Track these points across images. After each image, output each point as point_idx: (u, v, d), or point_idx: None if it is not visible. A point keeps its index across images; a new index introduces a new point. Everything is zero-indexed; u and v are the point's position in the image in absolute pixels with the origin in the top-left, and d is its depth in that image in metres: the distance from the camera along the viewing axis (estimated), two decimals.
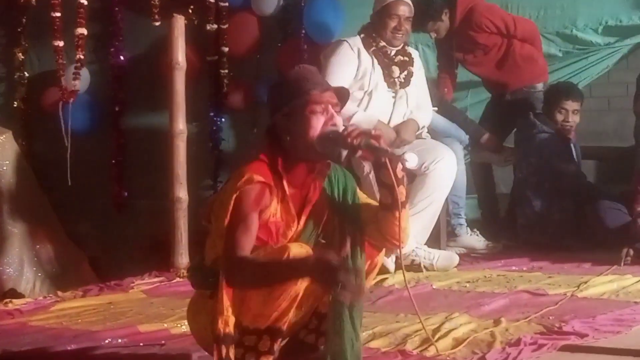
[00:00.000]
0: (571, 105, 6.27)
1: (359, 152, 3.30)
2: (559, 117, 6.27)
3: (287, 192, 3.34)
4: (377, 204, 3.41)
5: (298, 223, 3.37)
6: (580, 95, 6.35)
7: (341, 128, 3.34)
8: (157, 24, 7.22)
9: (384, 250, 3.59)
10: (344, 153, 4.01)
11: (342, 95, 3.50)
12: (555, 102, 6.28)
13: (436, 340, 3.79)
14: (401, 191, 3.29)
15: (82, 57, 7.34)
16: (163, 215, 6.20)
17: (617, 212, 5.75)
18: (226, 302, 3.19)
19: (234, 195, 3.23)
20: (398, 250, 3.41)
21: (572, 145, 6.31)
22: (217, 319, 3.19)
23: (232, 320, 3.21)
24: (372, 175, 4.98)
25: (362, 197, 3.53)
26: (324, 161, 3.41)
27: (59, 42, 7.25)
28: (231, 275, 3.17)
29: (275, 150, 3.37)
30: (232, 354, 3.21)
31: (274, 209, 3.31)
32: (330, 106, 3.36)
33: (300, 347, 3.51)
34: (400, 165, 3.24)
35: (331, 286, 2.99)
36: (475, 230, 6.37)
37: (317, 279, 3.06)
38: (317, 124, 3.33)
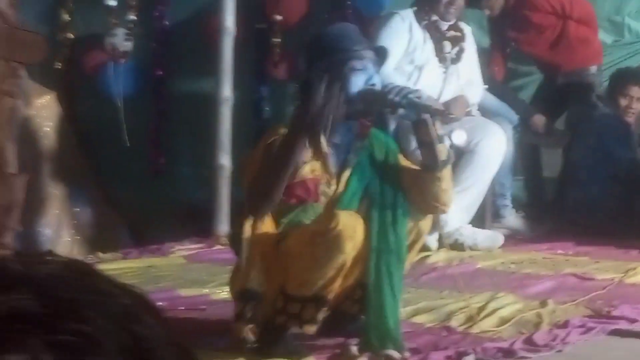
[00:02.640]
0: (637, 91, 6.18)
1: (400, 110, 3.24)
2: (623, 102, 6.17)
3: (325, 150, 3.28)
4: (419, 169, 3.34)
5: (338, 183, 3.30)
6: None
7: (380, 87, 3.28)
8: None
9: (429, 223, 3.52)
10: (392, 126, 3.93)
11: (382, 55, 3.43)
12: (620, 86, 6.18)
13: (481, 319, 3.72)
14: (441, 149, 3.22)
15: (134, 17, 7.30)
16: (203, 182, 6.16)
17: None
18: (251, 259, 3.15)
19: (268, 142, 3.19)
20: (441, 228, 3.36)
21: (631, 132, 6.20)
22: (240, 275, 3.15)
23: (255, 276, 3.16)
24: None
25: (405, 162, 3.46)
26: (364, 122, 3.34)
27: (111, 1, 7.21)
28: (247, 203, 3.13)
29: (310, 107, 3.30)
30: (250, 311, 3.16)
31: (312, 166, 3.25)
32: (369, 64, 3.30)
33: (343, 317, 3.45)
34: (439, 124, 3.18)
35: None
36: (520, 211, 6.27)
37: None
38: (358, 81, 3.26)
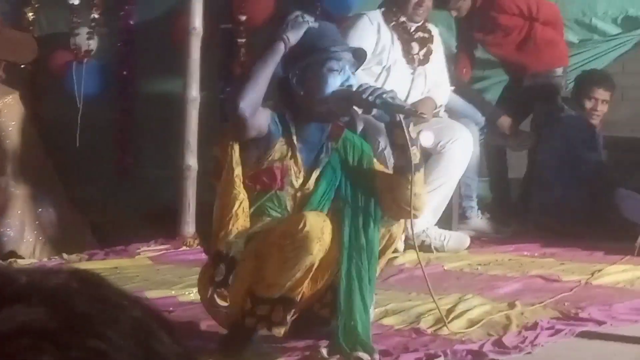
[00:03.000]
0: (602, 94, 6.21)
1: (374, 111, 3.24)
2: (588, 105, 6.20)
3: (296, 146, 3.28)
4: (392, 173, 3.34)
5: (306, 180, 3.30)
6: (612, 86, 6.29)
7: (354, 87, 3.29)
8: None
9: (401, 228, 3.52)
10: (360, 126, 3.93)
11: (360, 56, 3.44)
12: (586, 89, 6.21)
13: (450, 321, 3.72)
14: (414, 152, 3.21)
15: (97, 16, 7.24)
16: (169, 183, 6.12)
17: (633, 201, 5.68)
18: (218, 218, 3.16)
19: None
20: (410, 228, 3.36)
21: (596, 134, 6.24)
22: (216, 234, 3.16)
23: (224, 237, 3.17)
24: (387, 152, 4.90)
25: (378, 166, 3.46)
26: (337, 124, 3.34)
27: (74, 0, 7.15)
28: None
29: (287, 103, 3.31)
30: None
31: (280, 154, 3.25)
32: (347, 67, 3.30)
33: (313, 320, 3.45)
34: (413, 126, 3.18)
35: None
36: (486, 213, 6.29)
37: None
38: (334, 82, 3.26)
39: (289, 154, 3.29)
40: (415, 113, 3.18)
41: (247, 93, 3.16)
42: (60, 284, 0.61)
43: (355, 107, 3.55)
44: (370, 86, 3.26)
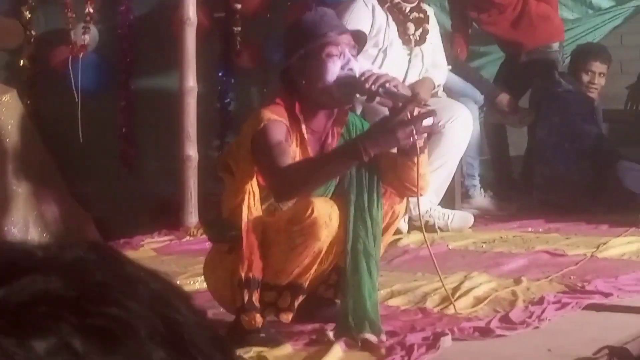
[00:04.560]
0: (599, 67, 6.20)
1: (377, 98, 3.22)
2: (585, 78, 6.19)
3: (306, 137, 3.26)
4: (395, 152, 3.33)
5: None
6: (608, 58, 6.28)
7: (358, 73, 3.25)
8: None
9: (404, 206, 3.51)
10: (359, 108, 3.92)
11: (360, 39, 3.42)
12: (582, 62, 6.21)
13: (456, 299, 3.73)
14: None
15: (91, 10, 7.24)
16: (172, 175, 6.12)
17: (636, 172, 5.67)
18: (251, 246, 3.12)
19: (259, 129, 3.14)
20: (414, 209, 3.35)
21: (595, 107, 6.23)
22: (241, 264, 3.11)
23: (257, 264, 3.14)
24: None
25: None
26: (342, 108, 3.33)
27: None
28: (281, 188, 3.10)
29: (292, 94, 3.29)
30: (256, 299, 3.14)
31: (293, 153, 3.23)
32: (347, 50, 3.28)
33: (318, 302, 3.44)
34: (417, 110, 3.17)
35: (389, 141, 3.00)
36: (489, 191, 6.28)
37: (373, 144, 3.00)
38: (334, 68, 3.24)
39: (299, 149, 3.27)
40: (420, 101, 3.16)
41: (296, 196, 3.14)
42: (78, 257, 0.61)
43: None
44: (373, 74, 3.23)
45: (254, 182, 3.22)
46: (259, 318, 3.17)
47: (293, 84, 3.29)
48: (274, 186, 3.13)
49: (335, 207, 3.16)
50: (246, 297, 3.14)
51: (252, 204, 3.20)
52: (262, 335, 3.23)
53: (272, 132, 3.14)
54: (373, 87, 3.18)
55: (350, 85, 3.24)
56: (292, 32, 3.40)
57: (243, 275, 3.14)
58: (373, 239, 3.23)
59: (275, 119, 3.18)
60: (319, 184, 3.14)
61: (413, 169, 3.21)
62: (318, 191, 3.25)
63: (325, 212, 3.09)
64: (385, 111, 3.22)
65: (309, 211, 3.06)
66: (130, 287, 0.60)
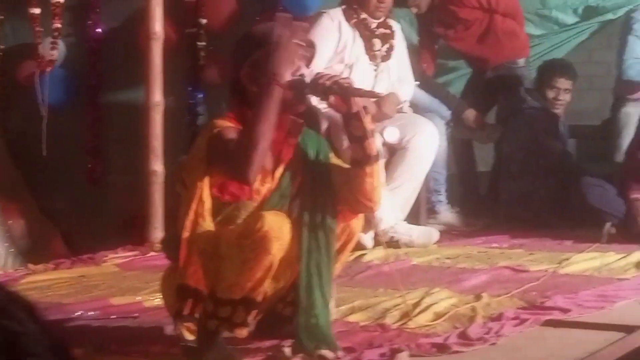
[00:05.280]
0: (563, 83, 6.24)
1: (331, 98, 3.21)
2: (550, 94, 6.23)
3: None
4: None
5: (272, 180, 3.28)
6: (573, 75, 6.32)
7: (308, 79, 3.25)
8: None
9: (361, 223, 3.50)
10: (324, 124, 3.90)
11: (310, 45, 3.41)
12: (547, 78, 6.24)
13: (416, 315, 3.72)
14: (371, 144, 3.20)
15: (59, 25, 7.21)
16: (138, 190, 6.10)
17: (599, 189, 5.68)
18: (189, 254, 3.11)
19: (213, 133, 3.14)
20: (376, 226, 3.33)
21: (560, 123, 6.25)
22: (178, 270, 3.11)
23: (195, 273, 3.12)
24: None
25: (335, 160, 3.44)
26: (296, 119, 3.32)
27: (35, 9, 7.11)
28: (238, 165, 3.09)
29: (243, 105, 3.28)
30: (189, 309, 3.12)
31: None
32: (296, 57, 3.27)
33: (276, 320, 3.42)
34: (370, 117, 3.16)
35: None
36: (455, 207, 6.29)
37: (276, 65, 3.09)
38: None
39: None
40: (373, 94, 3.16)
41: (255, 161, 3.08)
42: None
43: (312, 96, 3.53)
44: (326, 73, 3.24)
45: (205, 191, 3.20)
46: (184, 328, 3.16)
47: (244, 94, 3.29)
48: (233, 169, 3.12)
49: (287, 220, 3.15)
50: (176, 306, 3.14)
51: (200, 211, 3.18)
52: (218, 352, 3.21)
53: (227, 134, 3.15)
54: (327, 82, 3.18)
55: (301, 86, 3.23)
56: (242, 42, 3.39)
57: (178, 282, 3.13)
58: (327, 256, 3.22)
59: (230, 126, 3.19)
60: (266, 138, 3.09)
61: (366, 180, 3.21)
62: (272, 203, 3.24)
63: (276, 226, 3.08)
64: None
65: (259, 224, 3.05)
66: None
